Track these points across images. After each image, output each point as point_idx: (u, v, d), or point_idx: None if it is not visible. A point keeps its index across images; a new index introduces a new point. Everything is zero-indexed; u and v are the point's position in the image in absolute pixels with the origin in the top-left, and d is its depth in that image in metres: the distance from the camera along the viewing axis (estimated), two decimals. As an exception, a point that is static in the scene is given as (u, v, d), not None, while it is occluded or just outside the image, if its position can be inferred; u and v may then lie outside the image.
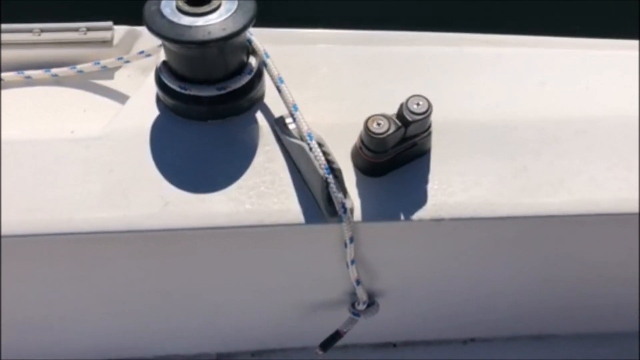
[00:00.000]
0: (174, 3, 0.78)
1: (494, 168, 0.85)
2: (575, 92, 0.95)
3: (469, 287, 1.02)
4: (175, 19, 0.77)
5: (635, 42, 1.05)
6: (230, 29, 0.77)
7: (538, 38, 1.08)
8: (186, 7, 0.78)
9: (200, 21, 0.77)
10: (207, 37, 0.76)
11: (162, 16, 0.77)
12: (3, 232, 0.79)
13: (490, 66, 0.98)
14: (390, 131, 0.78)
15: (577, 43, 1.08)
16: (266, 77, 0.89)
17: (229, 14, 0.78)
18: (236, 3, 0.79)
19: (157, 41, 0.84)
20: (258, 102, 0.90)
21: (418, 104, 0.79)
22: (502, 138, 0.88)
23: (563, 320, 1.13)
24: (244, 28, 0.78)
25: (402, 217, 0.81)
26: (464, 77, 0.96)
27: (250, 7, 0.79)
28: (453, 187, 0.83)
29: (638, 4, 2.14)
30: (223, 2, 0.79)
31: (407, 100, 0.79)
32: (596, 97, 0.94)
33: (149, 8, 0.79)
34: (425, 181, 0.84)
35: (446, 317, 1.10)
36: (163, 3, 0.79)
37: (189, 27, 0.76)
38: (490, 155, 0.86)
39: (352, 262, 0.85)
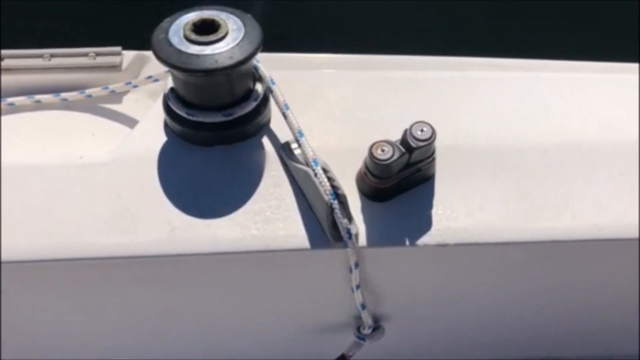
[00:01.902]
0: (181, 32, 0.80)
1: (498, 192, 0.86)
2: (579, 115, 0.95)
3: (473, 311, 1.02)
4: (183, 48, 0.78)
5: (635, 66, 1.06)
6: (237, 57, 0.78)
7: (541, 62, 1.10)
8: (194, 36, 0.79)
9: (207, 50, 0.78)
10: (214, 65, 0.77)
11: (170, 45, 0.79)
12: (11, 258, 0.80)
13: (494, 90, 0.99)
14: (395, 157, 0.78)
15: (580, 67, 1.09)
16: (272, 102, 0.90)
17: (236, 42, 0.79)
18: (243, 31, 0.80)
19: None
20: (264, 128, 0.91)
21: (422, 130, 0.79)
22: (506, 162, 0.89)
23: (567, 343, 1.13)
24: (251, 56, 0.79)
25: (407, 242, 0.82)
26: (467, 101, 0.97)
27: (257, 36, 0.80)
28: (457, 212, 0.84)
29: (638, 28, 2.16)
30: (230, 31, 0.80)
31: (411, 126, 0.79)
32: (600, 121, 0.95)
33: (157, 36, 0.80)
34: (429, 206, 0.84)
35: (451, 341, 1.10)
36: (171, 32, 0.80)
37: (197, 55, 0.78)
38: (494, 180, 0.87)
39: (358, 287, 0.85)
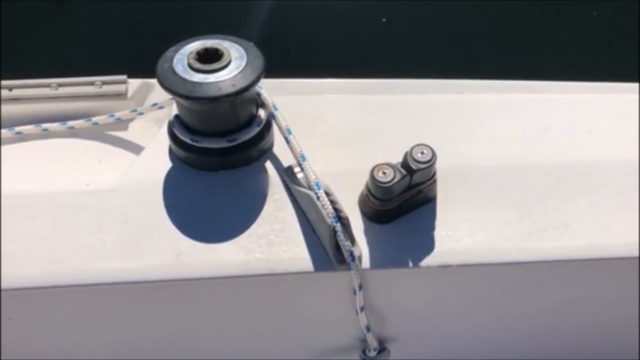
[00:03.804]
0: (185, 60, 0.82)
1: (500, 213, 0.86)
2: (578, 136, 0.96)
3: (477, 331, 1.02)
4: (187, 76, 0.80)
5: (635, 85, 1.07)
6: (240, 84, 0.80)
7: (540, 83, 1.11)
8: (197, 65, 0.81)
9: (211, 78, 0.80)
10: (217, 93, 0.79)
11: (175, 73, 0.81)
12: (20, 284, 0.81)
13: (494, 112, 1.00)
14: (396, 180, 0.80)
15: (578, 87, 1.10)
16: (275, 127, 0.91)
17: (239, 70, 0.81)
18: (245, 60, 0.82)
19: None
20: (267, 152, 0.92)
21: (422, 153, 0.81)
22: (507, 183, 0.89)
23: None
24: (253, 83, 0.81)
25: (410, 264, 0.82)
26: (467, 123, 0.98)
27: (259, 64, 0.82)
28: (459, 233, 0.85)
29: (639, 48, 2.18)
30: (233, 59, 0.82)
31: (412, 149, 0.81)
32: (599, 141, 0.96)
33: (161, 65, 0.82)
34: (432, 228, 0.85)
35: None
36: (175, 60, 0.82)
37: (201, 83, 0.79)
38: (495, 201, 0.88)
39: (362, 309, 0.86)
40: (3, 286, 0.80)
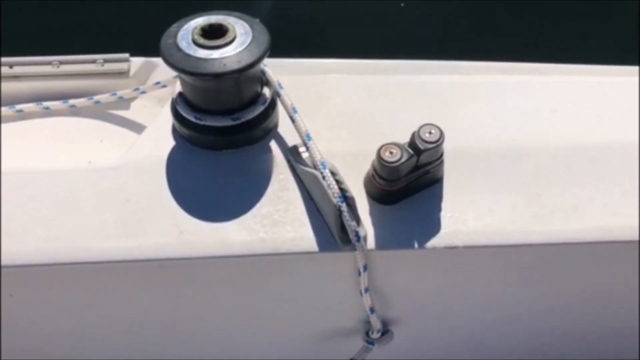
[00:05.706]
0: (190, 36, 0.80)
1: (507, 196, 0.86)
2: (586, 119, 0.95)
3: (483, 313, 1.01)
4: (191, 52, 0.79)
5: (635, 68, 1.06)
6: (245, 61, 0.78)
7: (547, 65, 1.10)
8: (202, 40, 0.80)
9: (215, 54, 0.79)
10: (222, 69, 0.78)
11: (179, 49, 0.79)
12: (22, 261, 0.80)
13: (501, 94, 0.99)
14: (403, 160, 0.79)
15: (586, 70, 1.09)
16: (280, 106, 0.90)
17: (244, 46, 0.80)
18: (250, 36, 0.81)
19: (173, 72, 0.86)
20: (272, 132, 0.91)
21: (430, 133, 0.80)
22: (514, 166, 0.88)
23: (578, 345, 1.12)
24: (259, 60, 0.80)
25: (416, 245, 0.82)
26: (474, 105, 0.97)
27: (264, 40, 0.81)
28: (466, 214, 0.84)
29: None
30: (238, 35, 0.81)
31: (419, 129, 0.79)
32: (608, 124, 0.95)
33: (165, 41, 0.81)
34: (438, 209, 0.84)
35: (461, 344, 1.09)
36: (179, 36, 0.81)
37: (205, 59, 0.78)
38: (502, 183, 0.87)
39: (366, 290, 0.85)
40: (3, 263, 0.80)
